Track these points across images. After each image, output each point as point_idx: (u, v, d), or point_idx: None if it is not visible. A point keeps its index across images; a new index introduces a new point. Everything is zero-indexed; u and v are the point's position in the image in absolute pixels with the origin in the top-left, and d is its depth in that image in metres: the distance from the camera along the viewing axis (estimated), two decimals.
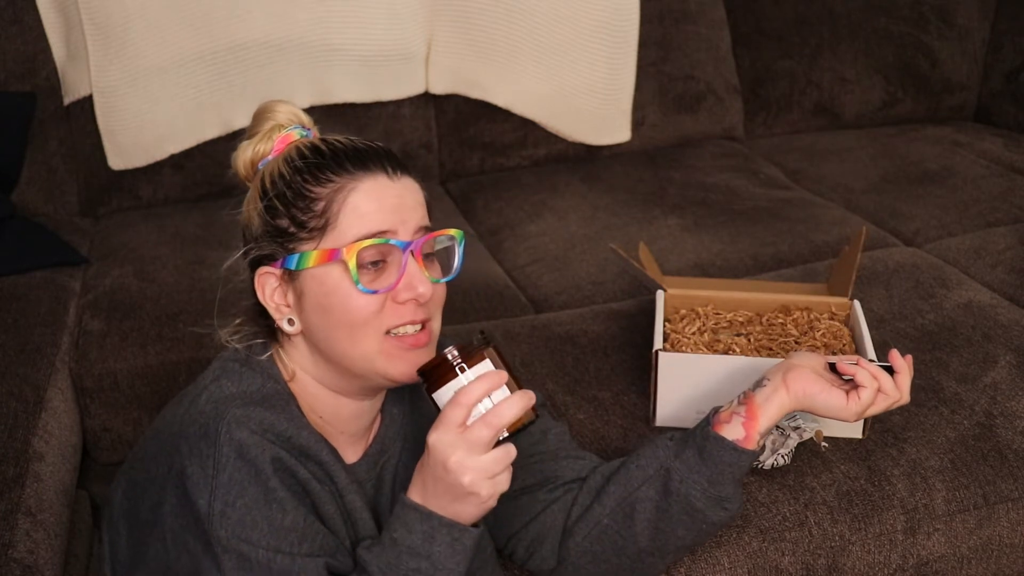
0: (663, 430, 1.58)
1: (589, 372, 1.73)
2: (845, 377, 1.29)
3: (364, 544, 1.13)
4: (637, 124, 2.62)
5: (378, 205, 1.14)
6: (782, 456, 1.48)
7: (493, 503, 1.09)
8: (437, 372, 1.10)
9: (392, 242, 1.14)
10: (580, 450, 1.38)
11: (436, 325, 1.19)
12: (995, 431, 1.58)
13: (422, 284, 1.14)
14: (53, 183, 2.36)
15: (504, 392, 1.08)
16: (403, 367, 1.15)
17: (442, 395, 1.10)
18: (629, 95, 2.58)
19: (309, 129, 1.23)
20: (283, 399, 1.16)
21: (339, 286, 1.13)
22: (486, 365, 1.09)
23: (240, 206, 1.21)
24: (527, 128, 2.57)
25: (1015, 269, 2.03)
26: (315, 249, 1.14)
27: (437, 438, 1.07)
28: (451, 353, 1.09)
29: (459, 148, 2.57)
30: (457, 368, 1.09)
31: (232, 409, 1.10)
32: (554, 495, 1.32)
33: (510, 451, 1.08)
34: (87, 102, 2.32)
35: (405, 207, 1.16)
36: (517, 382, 1.10)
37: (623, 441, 1.58)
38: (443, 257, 1.22)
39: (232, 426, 1.09)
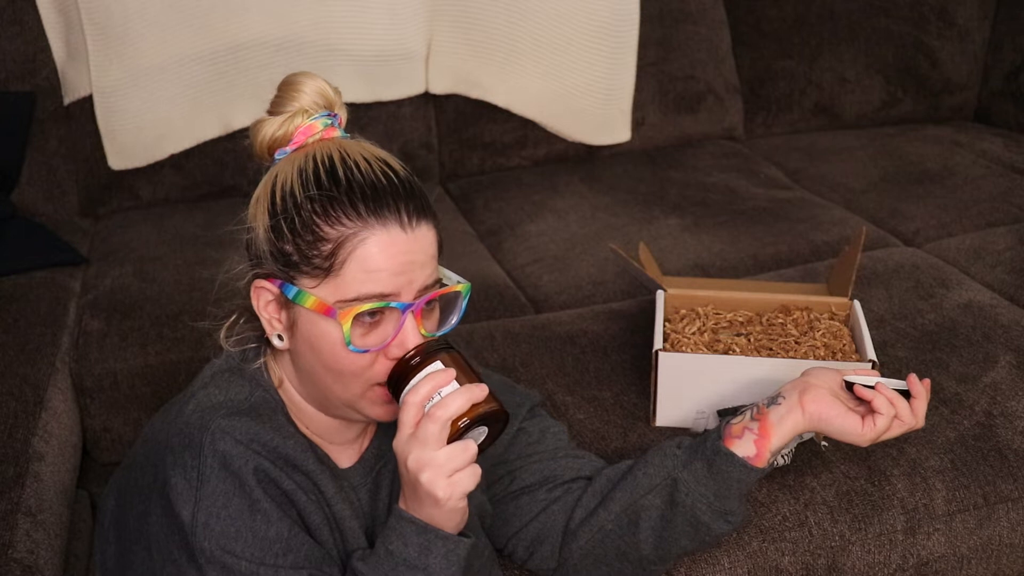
0: (663, 430, 1.59)
1: (589, 372, 1.73)
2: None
3: (358, 554, 1.13)
4: (637, 124, 2.62)
5: (386, 263, 1.07)
6: (782, 456, 1.48)
7: (456, 505, 1.07)
8: (398, 380, 1.10)
9: (393, 305, 1.09)
10: (579, 449, 1.39)
11: None
12: (995, 431, 1.58)
13: (414, 343, 1.10)
14: (53, 183, 2.35)
15: (454, 387, 1.08)
16: (383, 413, 1.14)
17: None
18: (629, 95, 2.58)
19: (335, 115, 1.17)
20: (270, 408, 1.15)
21: (330, 336, 1.09)
22: (436, 366, 1.09)
23: (243, 222, 1.15)
24: (527, 128, 2.57)
25: (1015, 269, 2.03)
26: (314, 290, 1.09)
27: (395, 440, 1.07)
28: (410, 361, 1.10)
29: (459, 148, 2.57)
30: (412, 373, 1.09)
31: (217, 419, 1.09)
32: (554, 494, 1.32)
33: (468, 447, 1.06)
34: (87, 102, 2.32)
35: (415, 265, 1.09)
36: (479, 379, 1.10)
37: (623, 441, 1.58)
38: (446, 303, 1.17)
39: (216, 437, 1.08)
